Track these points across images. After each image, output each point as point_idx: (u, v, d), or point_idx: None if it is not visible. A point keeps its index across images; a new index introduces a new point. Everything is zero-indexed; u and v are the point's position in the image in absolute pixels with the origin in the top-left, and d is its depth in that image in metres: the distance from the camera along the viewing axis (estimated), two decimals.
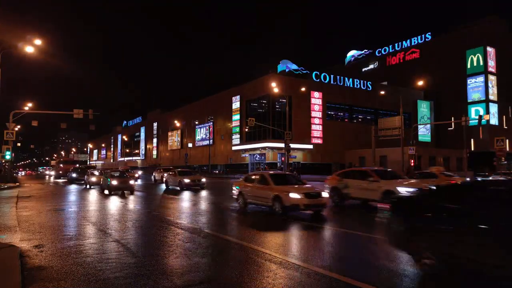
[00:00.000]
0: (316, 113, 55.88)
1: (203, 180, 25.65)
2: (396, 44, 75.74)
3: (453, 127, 64.51)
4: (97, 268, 5.90)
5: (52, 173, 69.31)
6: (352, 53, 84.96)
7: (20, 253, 6.65)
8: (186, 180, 24.63)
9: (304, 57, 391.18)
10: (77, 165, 47.77)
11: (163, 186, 28.65)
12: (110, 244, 7.82)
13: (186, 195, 21.11)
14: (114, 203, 17.02)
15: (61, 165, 53.64)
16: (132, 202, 17.44)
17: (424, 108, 66.51)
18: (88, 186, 27.95)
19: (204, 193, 22.24)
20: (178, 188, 25.06)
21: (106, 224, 10.72)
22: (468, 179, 26.09)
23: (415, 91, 65.38)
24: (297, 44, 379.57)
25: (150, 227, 10.46)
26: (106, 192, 22.17)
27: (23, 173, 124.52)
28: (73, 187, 29.51)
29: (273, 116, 52.41)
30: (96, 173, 29.80)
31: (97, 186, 26.70)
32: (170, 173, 28.20)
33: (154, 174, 37.58)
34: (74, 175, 36.80)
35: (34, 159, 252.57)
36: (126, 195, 20.50)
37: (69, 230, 9.70)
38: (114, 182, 21.30)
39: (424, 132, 63.89)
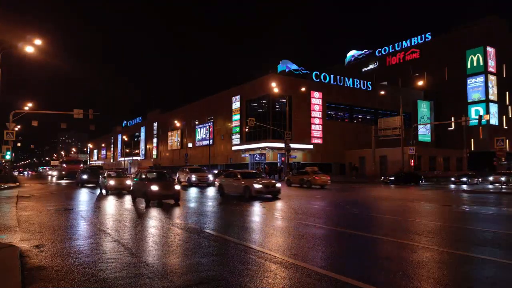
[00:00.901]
0: (316, 113, 55.86)
1: (278, 185, 18.67)
2: (396, 44, 75.74)
3: (453, 127, 64.52)
4: (97, 268, 5.90)
5: (55, 173, 64.29)
6: (352, 53, 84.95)
7: (20, 253, 6.64)
8: (257, 186, 17.74)
9: (304, 57, 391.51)
10: (82, 165, 45.73)
11: (192, 191, 24.08)
12: (109, 244, 7.81)
13: (294, 209, 14.07)
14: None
15: (64, 164, 48.68)
16: (204, 221, 10.87)
17: (424, 108, 66.49)
18: (104, 192, 21.32)
19: (299, 206, 15.15)
20: (240, 196, 18.32)
21: None
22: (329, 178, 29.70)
23: (415, 91, 65.37)
24: (297, 44, 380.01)
25: None
26: (139, 201, 16.30)
27: (29, 173, 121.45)
28: (84, 192, 23.63)
29: (273, 116, 52.38)
30: (114, 174, 23.31)
31: (117, 191, 21.32)
32: (225, 175, 21.14)
33: (178, 175, 32.44)
34: (85, 176, 29.66)
35: (34, 159, 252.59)
36: (166, 206, 14.53)
37: (69, 231, 9.69)
38: (155, 188, 14.81)
39: (424, 132, 63.87)
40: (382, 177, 37.96)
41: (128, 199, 18.18)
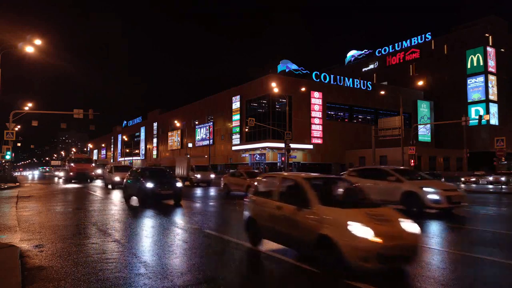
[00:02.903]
0: (316, 113, 55.88)
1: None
2: (396, 44, 75.76)
3: (453, 127, 64.49)
4: (97, 268, 5.90)
5: (61, 174, 53.89)
6: (352, 53, 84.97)
7: (20, 253, 6.64)
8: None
9: (304, 57, 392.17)
10: (93, 164, 39.46)
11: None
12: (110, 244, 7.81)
13: None
14: None
15: (72, 164, 39.09)
16: None
17: (424, 108, 66.50)
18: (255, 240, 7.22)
19: None
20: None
21: None
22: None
23: (415, 91, 65.38)
24: (297, 44, 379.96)
25: None
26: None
27: (35, 173, 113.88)
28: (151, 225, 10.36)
29: (273, 116, 52.41)
30: (321, 182, 7.11)
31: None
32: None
33: (221, 180, 22.46)
34: (150, 185, 14.91)
35: (34, 159, 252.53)
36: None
37: (69, 230, 9.68)
38: None
39: (424, 132, 63.87)
40: None
41: None
